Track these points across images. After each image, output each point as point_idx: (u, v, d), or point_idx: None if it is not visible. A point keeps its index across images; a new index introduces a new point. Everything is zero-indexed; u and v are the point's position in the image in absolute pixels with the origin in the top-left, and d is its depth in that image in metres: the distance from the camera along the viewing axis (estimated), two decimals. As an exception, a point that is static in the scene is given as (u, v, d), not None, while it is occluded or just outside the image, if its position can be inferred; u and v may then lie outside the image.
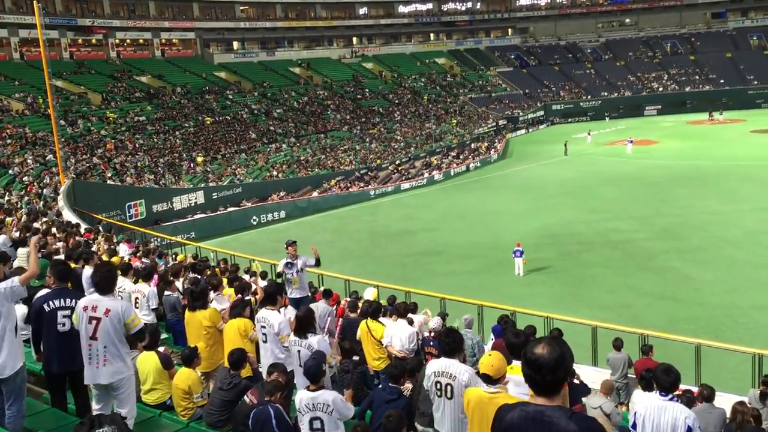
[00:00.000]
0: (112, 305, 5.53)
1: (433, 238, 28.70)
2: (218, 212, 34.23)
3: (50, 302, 5.86)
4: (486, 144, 56.34)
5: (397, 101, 65.69)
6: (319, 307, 9.47)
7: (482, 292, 17.77)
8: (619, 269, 22.66)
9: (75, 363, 5.73)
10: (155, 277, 10.47)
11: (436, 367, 5.51)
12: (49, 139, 33.52)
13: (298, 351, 6.63)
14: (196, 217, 32.51)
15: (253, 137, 49.50)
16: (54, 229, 14.87)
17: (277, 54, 70.22)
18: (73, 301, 5.78)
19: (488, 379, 4.68)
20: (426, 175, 45.82)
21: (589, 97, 73.68)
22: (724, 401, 8.17)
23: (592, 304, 18.86)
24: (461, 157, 51.70)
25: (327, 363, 6.11)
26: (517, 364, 4.95)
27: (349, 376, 7.89)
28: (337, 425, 5.47)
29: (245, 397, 6.17)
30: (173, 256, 17.49)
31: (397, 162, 49.79)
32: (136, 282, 9.54)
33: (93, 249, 12.78)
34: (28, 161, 31.83)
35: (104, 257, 11.69)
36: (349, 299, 12.44)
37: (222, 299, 9.26)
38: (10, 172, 29.46)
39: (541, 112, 71.04)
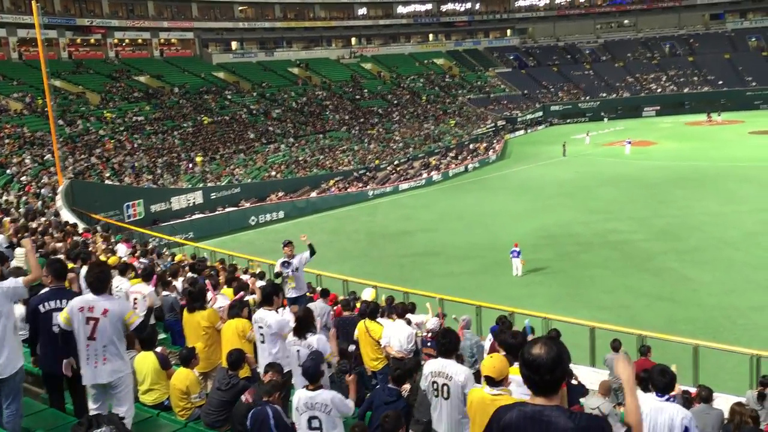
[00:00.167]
0: (109, 305, 5.53)
1: (431, 238, 28.68)
2: (216, 212, 34.17)
3: (46, 303, 5.85)
4: (484, 145, 56.30)
5: (395, 102, 65.67)
6: (317, 306, 9.56)
7: (480, 293, 17.76)
8: (617, 270, 22.65)
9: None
10: (154, 277, 10.44)
11: (433, 367, 5.53)
12: (48, 138, 33.46)
13: (297, 351, 6.64)
14: (194, 217, 32.44)
15: (252, 137, 49.45)
16: (51, 229, 14.85)
17: (276, 54, 70.17)
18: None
19: (491, 381, 4.69)
20: (424, 175, 45.75)
21: (587, 97, 73.69)
22: (722, 402, 8.20)
23: (590, 305, 18.85)
24: (460, 157, 51.64)
25: (326, 362, 6.12)
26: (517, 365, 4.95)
27: (345, 377, 7.89)
28: (335, 424, 5.46)
29: (241, 396, 6.17)
30: (171, 255, 17.46)
31: (396, 162, 49.72)
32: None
33: (90, 249, 12.76)
34: (26, 161, 31.81)
35: (101, 257, 11.68)
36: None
37: (223, 297, 9.29)
38: (8, 171, 29.44)
39: (540, 113, 71.03)
